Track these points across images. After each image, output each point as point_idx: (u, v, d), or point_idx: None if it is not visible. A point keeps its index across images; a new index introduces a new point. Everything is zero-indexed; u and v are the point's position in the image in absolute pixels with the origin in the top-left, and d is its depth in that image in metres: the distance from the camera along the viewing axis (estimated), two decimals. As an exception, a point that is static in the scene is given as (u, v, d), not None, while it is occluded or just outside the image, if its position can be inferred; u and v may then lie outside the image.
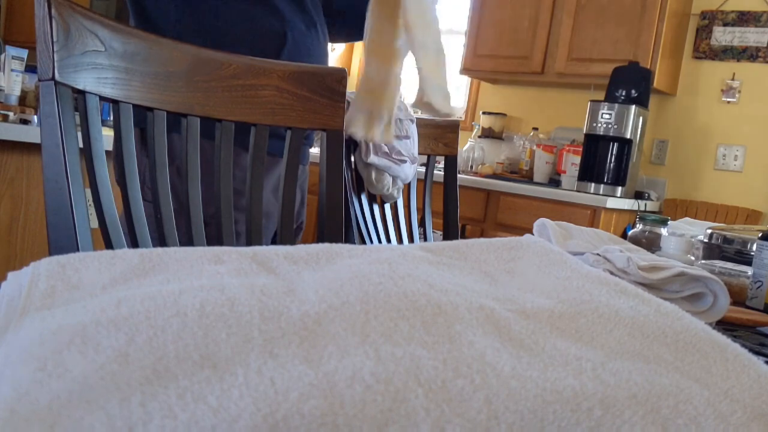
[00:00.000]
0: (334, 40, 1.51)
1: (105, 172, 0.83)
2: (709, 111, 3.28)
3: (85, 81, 0.81)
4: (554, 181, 3.41)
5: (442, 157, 1.75)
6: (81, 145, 0.79)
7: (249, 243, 1.02)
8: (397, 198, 1.64)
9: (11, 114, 2.24)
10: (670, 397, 0.35)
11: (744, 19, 3.19)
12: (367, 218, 1.55)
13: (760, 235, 0.94)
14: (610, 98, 3.09)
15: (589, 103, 3.17)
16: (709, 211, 3.20)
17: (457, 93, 4.13)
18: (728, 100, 3.23)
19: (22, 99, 2.99)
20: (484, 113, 3.87)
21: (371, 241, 1.54)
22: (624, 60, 3.11)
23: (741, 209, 3.14)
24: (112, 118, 0.88)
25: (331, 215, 1.08)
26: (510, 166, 3.76)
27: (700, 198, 3.28)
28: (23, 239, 2.08)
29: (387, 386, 0.31)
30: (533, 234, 0.83)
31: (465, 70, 3.67)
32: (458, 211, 1.75)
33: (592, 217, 2.90)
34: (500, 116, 3.83)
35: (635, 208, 3.10)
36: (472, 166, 3.75)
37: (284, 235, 1.05)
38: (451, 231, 1.73)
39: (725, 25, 3.23)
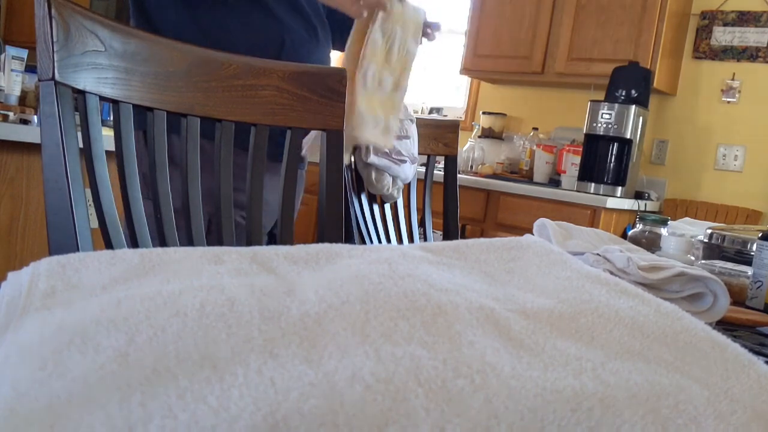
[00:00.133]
0: (339, 48, 1.50)
1: (105, 172, 0.83)
2: (709, 111, 3.28)
3: (85, 81, 0.81)
4: (554, 181, 3.41)
5: (442, 157, 1.75)
6: (81, 145, 0.79)
7: (249, 243, 1.02)
8: (397, 198, 1.64)
9: (11, 114, 2.24)
10: (670, 397, 0.35)
11: (744, 19, 3.19)
12: (367, 218, 1.55)
13: (760, 235, 0.94)
14: (610, 98, 3.09)
15: (589, 103, 3.17)
16: (709, 211, 3.19)
17: (457, 93, 4.13)
18: (728, 100, 3.23)
19: (22, 99, 2.99)
20: (484, 113, 3.87)
21: (371, 241, 1.54)
22: (624, 60, 3.11)
23: (741, 209, 3.14)
24: (112, 118, 0.88)
25: (331, 215, 1.08)
26: (510, 166, 3.75)
27: (700, 198, 3.28)
28: (23, 239, 2.07)
29: (387, 386, 0.31)
30: (533, 234, 0.83)
31: (465, 70, 3.67)
32: (458, 211, 1.75)
33: (592, 217, 2.90)
34: (500, 116, 3.83)
35: (635, 208, 3.10)
36: (472, 166, 3.75)
37: (284, 235, 1.05)
38: (451, 231, 1.73)
39: (725, 25, 3.23)
